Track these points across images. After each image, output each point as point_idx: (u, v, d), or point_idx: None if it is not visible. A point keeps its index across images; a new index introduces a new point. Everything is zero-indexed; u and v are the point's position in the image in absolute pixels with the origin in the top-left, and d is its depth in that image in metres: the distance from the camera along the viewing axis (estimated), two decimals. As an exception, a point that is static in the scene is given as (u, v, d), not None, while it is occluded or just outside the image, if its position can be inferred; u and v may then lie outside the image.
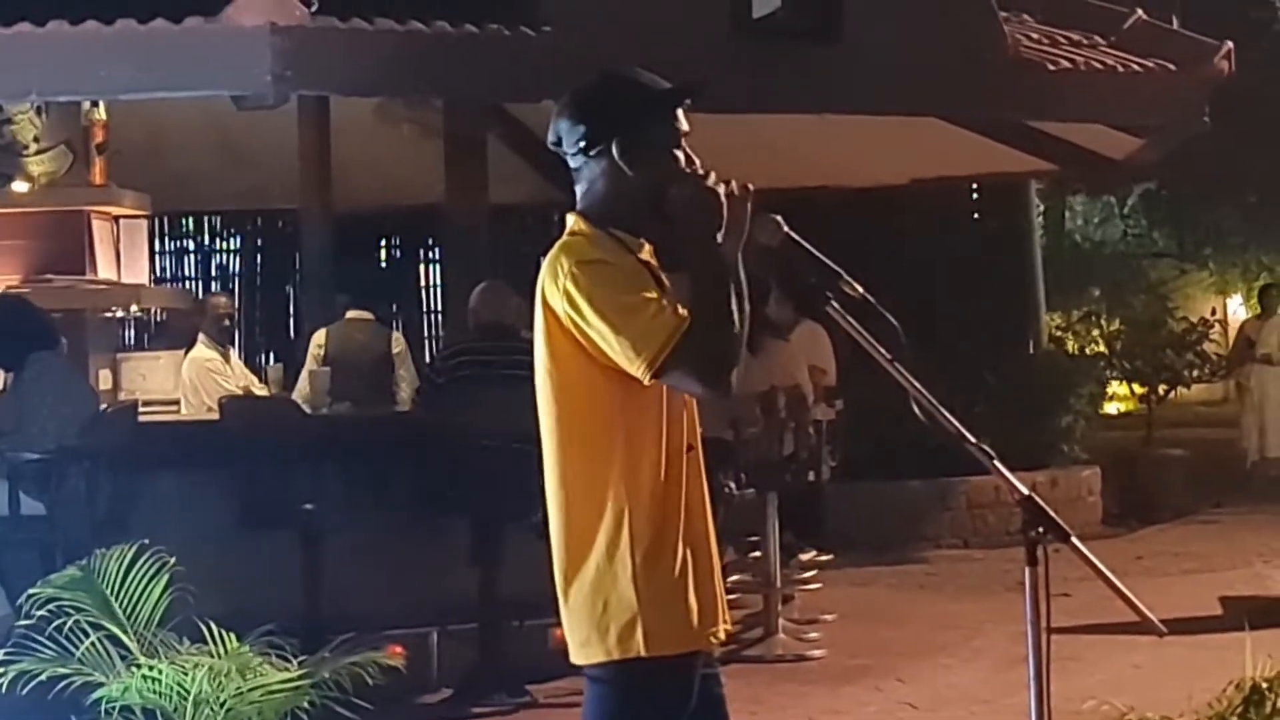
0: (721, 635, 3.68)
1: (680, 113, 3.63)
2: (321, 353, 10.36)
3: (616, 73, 3.71)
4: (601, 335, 3.47)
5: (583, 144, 3.60)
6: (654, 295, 3.50)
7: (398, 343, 10.84)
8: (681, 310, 3.47)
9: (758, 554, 9.55)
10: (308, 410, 9.54)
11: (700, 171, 3.58)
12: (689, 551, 3.58)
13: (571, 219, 3.66)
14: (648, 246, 3.64)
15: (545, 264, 3.57)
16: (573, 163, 3.65)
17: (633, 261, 3.58)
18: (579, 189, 3.66)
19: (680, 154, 3.61)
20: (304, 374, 10.34)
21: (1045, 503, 3.35)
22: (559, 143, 3.66)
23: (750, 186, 3.55)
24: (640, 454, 3.54)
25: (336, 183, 11.25)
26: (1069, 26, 11.72)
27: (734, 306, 3.48)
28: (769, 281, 9.11)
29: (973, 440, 3.40)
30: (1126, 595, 3.31)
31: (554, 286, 3.52)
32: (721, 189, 3.52)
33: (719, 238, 3.50)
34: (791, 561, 9.91)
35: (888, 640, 9.62)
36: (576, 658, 3.62)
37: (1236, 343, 17.76)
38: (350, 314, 10.64)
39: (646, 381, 3.46)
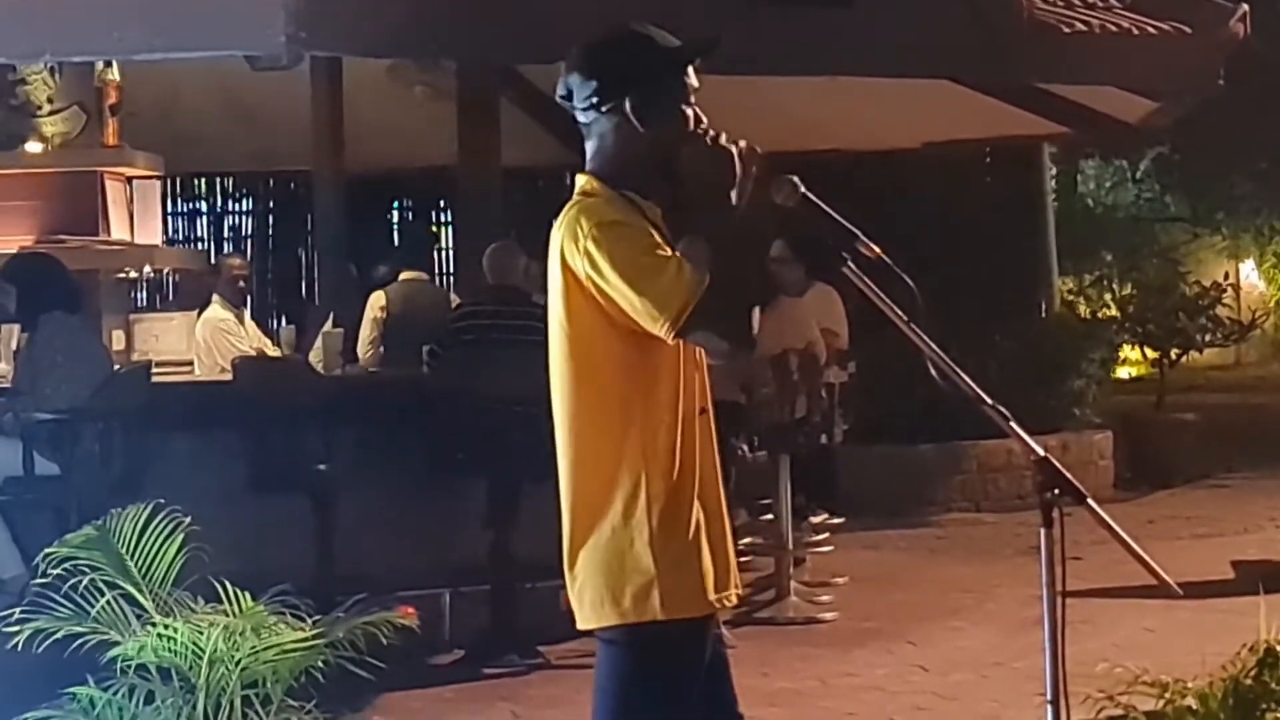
0: (734, 600, 3.67)
1: (691, 70, 3.59)
2: (384, 315, 10.21)
3: (629, 28, 3.66)
4: (623, 295, 3.43)
5: (595, 99, 3.56)
6: (673, 255, 3.47)
7: (455, 302, 10.72)
8: (699, 270, 3.44)
9: (769, 516, 9.56)
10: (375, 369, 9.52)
11: (709, 130, 3.54)
12: (703, 514, 3.57)
13: (582, 179, 3.62)
14: (658, 210, 3.61)
15: (563, 225, 3.53)
16: (582, 118, 3.61)
17: (646, 224, 3.56)
18: (589, 145, 3.62)
19: (690, 112, 3.58)
20: (364, 336, 10.18)
21: (1056, 467, 3.35)
22: (568, 97, 3.61)
23: (759, 148, 3.53)
24: (657, 416, 3.52)
25: (349, 144, 11.22)
26: (1084, -12, 11.66)
27: (750, 265, 3.47)
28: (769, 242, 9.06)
29: (989, 401, 3.40)
30: (1143, 557, 3.30)
31: (574, 247, 3.48)
32: (733, 148, 3.50)
33: (732, 197, 3.47)
34: (803, 524, 9.92)
35: (899, 603, 9.63)
36: (587, 622, 3.59)
37: None
38: (405, 274, 10.55)
39: (670, 340, 3.44)
